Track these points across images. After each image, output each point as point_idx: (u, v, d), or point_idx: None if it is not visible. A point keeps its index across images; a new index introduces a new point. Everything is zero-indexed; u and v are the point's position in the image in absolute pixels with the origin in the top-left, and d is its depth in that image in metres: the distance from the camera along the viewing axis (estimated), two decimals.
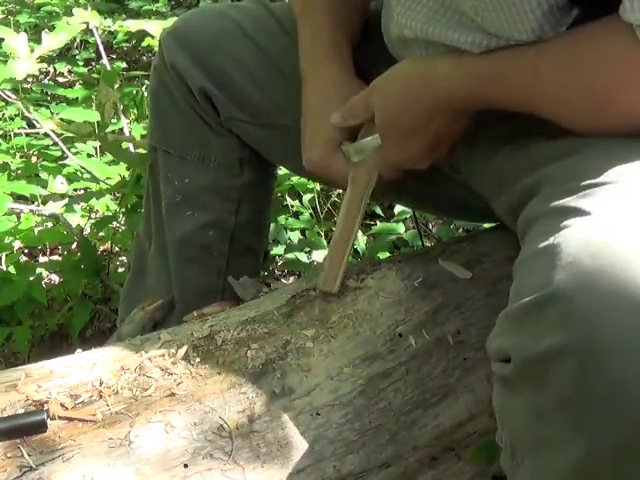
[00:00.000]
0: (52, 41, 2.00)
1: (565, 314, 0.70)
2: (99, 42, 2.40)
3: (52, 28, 2.32)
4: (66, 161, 2.15)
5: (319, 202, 2.08)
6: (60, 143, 2.10)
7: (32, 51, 1.95)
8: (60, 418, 0.89)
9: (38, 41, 2.08)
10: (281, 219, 2.05)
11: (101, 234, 2.02)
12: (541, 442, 0.75)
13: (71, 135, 1.89)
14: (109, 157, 2.17)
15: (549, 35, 0.91)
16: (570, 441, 0.71)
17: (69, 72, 3.09)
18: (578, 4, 0.89)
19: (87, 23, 2.22)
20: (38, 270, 1.86)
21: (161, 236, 1.38)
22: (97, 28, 2.29)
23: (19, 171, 2.19)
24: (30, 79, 2.57)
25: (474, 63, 0.97)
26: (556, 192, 0.83)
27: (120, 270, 2.02)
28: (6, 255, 1.94)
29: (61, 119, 2.26)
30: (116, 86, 2.30)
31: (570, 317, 0.70)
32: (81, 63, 3.04)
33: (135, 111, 2.33)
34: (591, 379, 0.69)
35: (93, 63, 3.12)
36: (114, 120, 2.22)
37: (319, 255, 1.91)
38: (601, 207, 0.77)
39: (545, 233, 0.78)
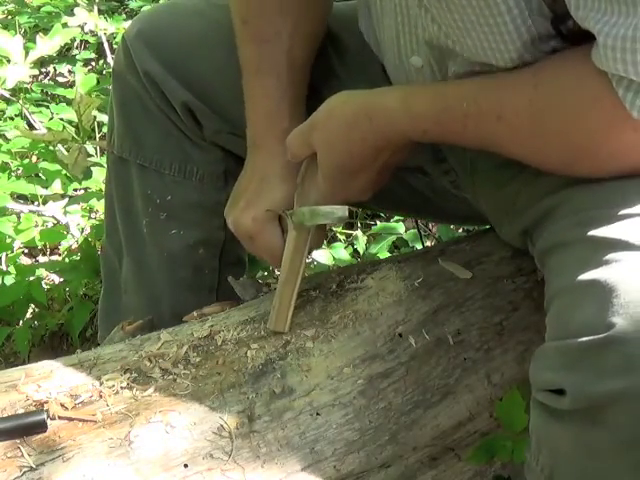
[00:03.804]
0: (47, 45, 1.99)
1: (627, 359, 0.72)
2: (105, 42, 2.40)
3: (52, 28, 2.32)
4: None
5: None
6: (59, 144, 2.10)
7: (27, 55, 1.94)
8: (60, 418, 0.89)
9: (36, 42, 2.07)
10: None
11: None
12: (590, 475, 0.78)
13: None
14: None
15: (528, 62, 0.89)
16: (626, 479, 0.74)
17: (69, 72, 3.08)
18: (560, 35, 0.87)
19: (85, 24, 2.22)
20: (38, 270, 1.86)
21: (138, 254, 1.29)
22: (100, 30, 2.29)
23: (19, 171, 2.19)
24: (30, 79, 2.57)
25: (427, 105, 0.94)
26: (586, 218, 0.82)
27: None
28: (6, 255, 1.94)
29: (61, 119, 2.27)
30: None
31: (632, 362, 0.71)
32: (81, 63, 3.03)
33: None
34: None
35: (93, 63, 3.11)
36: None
37: (319, 255, 1.91)
38: None
39: (586, 264, 0.78)
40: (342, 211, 1.02)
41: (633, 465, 0.74)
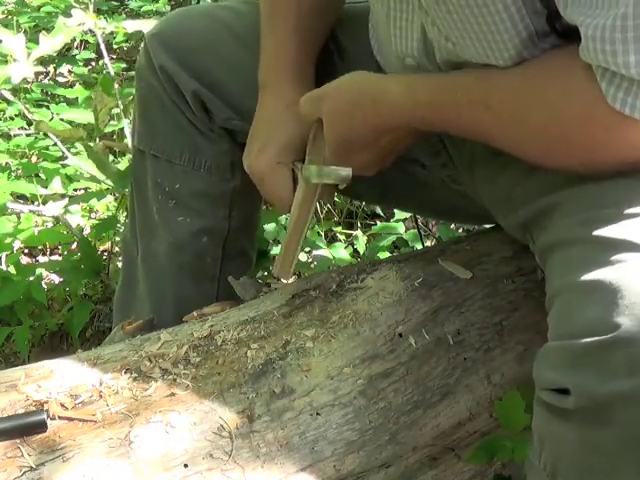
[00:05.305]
0: (49, 44, 1.99)
1: (633, 359, 0.72)
2: (101, 42, 2.40)
3: (52, 28, 2.32)
4: (66, 161, 2.15)
5: (319, 202, 2.08)
6: (59, 144, 2.10)
7: (29, 54, 1.94)
8: (60, 418, 0.89)
9: (37, 42, 2.07)
10: (281, 219, 2.04)
11: None
12: (595, 472, 0.79)
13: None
14: (109, 157, 2.17)
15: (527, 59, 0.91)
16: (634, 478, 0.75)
17: (69, 72, 3.08)
18: (556, 31, 0.89)
19: (84, 23, 2.21)
20: (38, 270, 1.86)
21: (146, 242, 1.35)
22: (98, 29, 2.28)
23: (19, 171, 2.19)
24: (30, 79, 2.57)
25: (427, 93, 0.98)
26: (590, 217, 0.83)
27: None
28: (6, 255, 1.94)
29: (61, 119, 2.26)
30: (116, 86, 2.30)
31: (638, 363, 0.72)
32: (81, 63, 3.03)
33: None
34: None
35: (93, 63, 3.12)
36: (114, 121, 2.22)
37: (320, 255, 1.91)
38: None
39: (590, 263, 0.78)
40: (346, 172, 1.06)
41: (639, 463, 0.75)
